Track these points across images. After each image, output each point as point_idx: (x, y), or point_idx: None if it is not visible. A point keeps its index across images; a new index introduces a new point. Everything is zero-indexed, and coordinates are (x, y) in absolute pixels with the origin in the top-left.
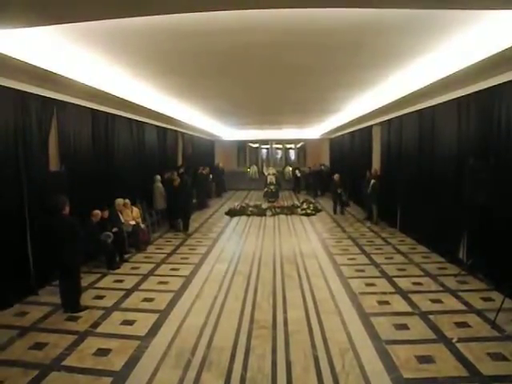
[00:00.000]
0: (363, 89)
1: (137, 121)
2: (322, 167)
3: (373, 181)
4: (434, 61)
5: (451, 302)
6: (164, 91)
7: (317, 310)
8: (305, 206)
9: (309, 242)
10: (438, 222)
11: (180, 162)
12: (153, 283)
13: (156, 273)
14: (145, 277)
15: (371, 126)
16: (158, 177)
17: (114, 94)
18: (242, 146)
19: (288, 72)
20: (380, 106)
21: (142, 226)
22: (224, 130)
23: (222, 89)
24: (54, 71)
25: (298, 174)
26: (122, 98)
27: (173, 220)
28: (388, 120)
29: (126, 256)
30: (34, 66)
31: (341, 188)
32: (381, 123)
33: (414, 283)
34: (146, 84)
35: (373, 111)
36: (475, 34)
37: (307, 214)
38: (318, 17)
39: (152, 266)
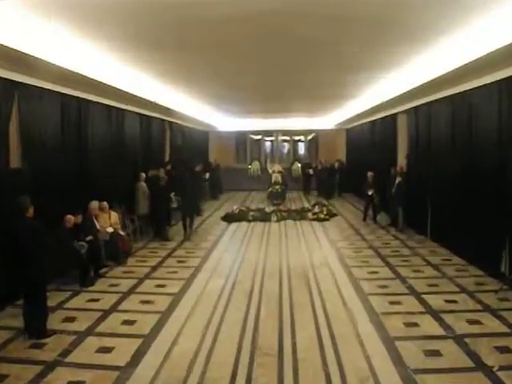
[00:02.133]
0: (386, 70)
1: (116, 108)
2: (336, 163)
3: (398, 179)
4: (469, 38)
5: (491, 323)
6: (148, 72)
7: (331, 333)
8: (317, 209)
9: (321, 252)
10: (475, 229)
11: (167, 157)
12: (135, 303)
13: (138, 290)
14: (125, 295)
15: (396, 115)
16: (142, 175)
17: (87, 75)
18: (241, 139)
19: (298, 48)
20: (406, 90)
21: (122, 233)
22: (220, 119)
23: (218, 69)
24: (15, 47)
25: (310, 172)
26: (97, 81)
27: (159, 227)
28: (415, 107)
29: (103, 270)
30: None
31: (372, 189)
32: (407, 111)
33: (448, 301)
34: (126, 64)
35: (397, 97)
36: None
37: (319, 219)
38: None
39: (134, 281)
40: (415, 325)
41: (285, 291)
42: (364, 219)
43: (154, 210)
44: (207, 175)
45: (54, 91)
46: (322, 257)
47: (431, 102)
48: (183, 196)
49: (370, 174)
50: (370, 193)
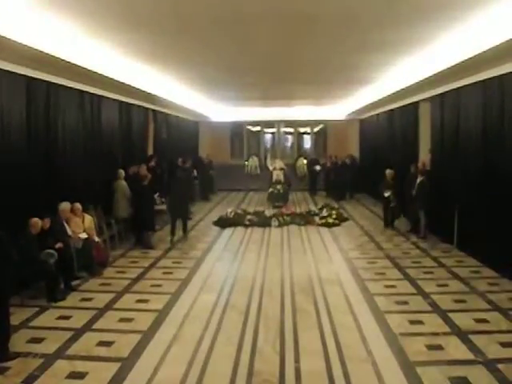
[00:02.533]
0: (406, 51)
1: (91, 94)
2: (348, 160)
3: (420, 178)
4: (504, 14)
5: None
6: (129, 52)
7: (341, 357)
8: (325, 213)
9: (331, 263)
10: (510, 236)
11: (151, 151)
12: (112, 320)
13: (116, 306)
14: (100, 312)
15: (417, 103)
16: (121, 172)
17: (57, 55)
18: (237, 130)
19: (303, 23)
20: (429, 74)
21: (98, 240)
22: (213, 108)
23: (211, 48)
24: None
25: (317, 169)
26: (69, 62)
27: (141, 232)
28: (440, 94)
29: (75, 283)
30: None
31: (389, 190)
32: (431, 99)
33: (477, 320)
34: (103, 42)
35: (420, 82)
36: None
37: (328, 225)
38: None
39: (111, 296)
40: (439, 348)
41: (287, 310)
42: (386, 225)
43: (135, 212)
44: (195, 172)
45: (18, 74)
46: (331, 269)
47: (460, 87)
48: (174, 196)
49: (388, 171)
50: (386, 194)
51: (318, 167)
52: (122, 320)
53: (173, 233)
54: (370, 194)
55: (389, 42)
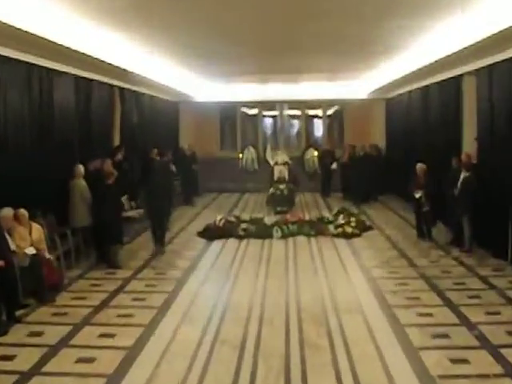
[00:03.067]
0: (443, 12)
1: (40, 67)
2: (369, 152)
3: (464, 174)
4: None
5: None
6: (87, 13)
7: None
8: (342, 220)
9: (349, 284)
10: None
11: (118, 141)
12: (68, 361)
13: (73, 342)
14: (53, 349)
15: (460, 77)
16: (80, 168)
17: None
18: (229, 114)
19: None
20: (475, 41)
21: (49, 256)
22: (198, 85)
23: (195, 5)
24: None
25: (334, 166)
26: (11, 26)
27: (104, 246)
28: (490, 66)
29: (20, 312)
30: None
31: (421, 189)
32: (477, 72)
33: None
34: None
35: (462, 51)
36: None
37: (346, 235)
38: None
39: (66, 329)
40: None
41: (293, 345)
42: (419, 236)
43: (97, 220)
44: (175, 168)
45: None
46: (349, 292)
47: None
48: (149, 197)
49: (419, 166)
50: (417, 195)
51: (334, 165)
52: (80, 360)
53: (155, 240)
54: (400, 194)
55: (420, 2)
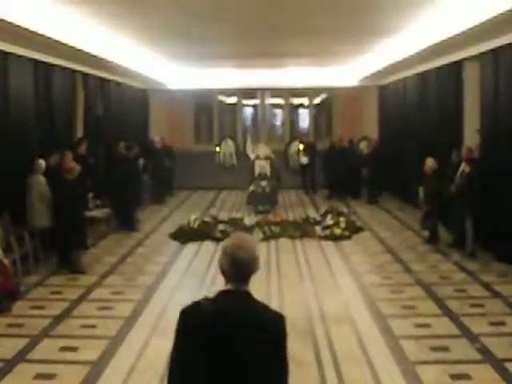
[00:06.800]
0: None
1: None
2: (364, 144)
3: (464, 169)
4: None
5: None
6: None
7: None
8: (329, 220)
9: (338, 292)
10: None
11: (80, 132)
12: (25, 377)
13: (31, 356)
14: (9, 364)
15: (461, 63)
16: (41, 163)
17: None
18: (204, 103)
19: None
20: (478, 22)
21: (4, 261)
22: (169, 71)
23: None
24: None
25: (303, 160)
26: None
27: (66, 249)
28: (493, 50)
29: None
30: None
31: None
32: (479, 56)
33: None
34: None
35: (465, 32)
36: None
37: (335, 237)
38: None
39: (23, 342)
40: None
41: None
42: (429, 240)
43: (58, 221)
44: (144, 163)
45: None
46: (338, 301)
47: None
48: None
49: (429, 160)
50: (420, 193)
51: (304, 159)
52: (39, 377)
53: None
54: (395, 192)
55: None
